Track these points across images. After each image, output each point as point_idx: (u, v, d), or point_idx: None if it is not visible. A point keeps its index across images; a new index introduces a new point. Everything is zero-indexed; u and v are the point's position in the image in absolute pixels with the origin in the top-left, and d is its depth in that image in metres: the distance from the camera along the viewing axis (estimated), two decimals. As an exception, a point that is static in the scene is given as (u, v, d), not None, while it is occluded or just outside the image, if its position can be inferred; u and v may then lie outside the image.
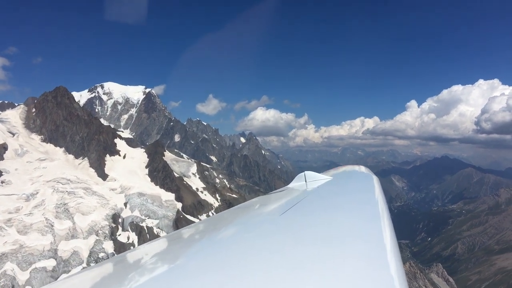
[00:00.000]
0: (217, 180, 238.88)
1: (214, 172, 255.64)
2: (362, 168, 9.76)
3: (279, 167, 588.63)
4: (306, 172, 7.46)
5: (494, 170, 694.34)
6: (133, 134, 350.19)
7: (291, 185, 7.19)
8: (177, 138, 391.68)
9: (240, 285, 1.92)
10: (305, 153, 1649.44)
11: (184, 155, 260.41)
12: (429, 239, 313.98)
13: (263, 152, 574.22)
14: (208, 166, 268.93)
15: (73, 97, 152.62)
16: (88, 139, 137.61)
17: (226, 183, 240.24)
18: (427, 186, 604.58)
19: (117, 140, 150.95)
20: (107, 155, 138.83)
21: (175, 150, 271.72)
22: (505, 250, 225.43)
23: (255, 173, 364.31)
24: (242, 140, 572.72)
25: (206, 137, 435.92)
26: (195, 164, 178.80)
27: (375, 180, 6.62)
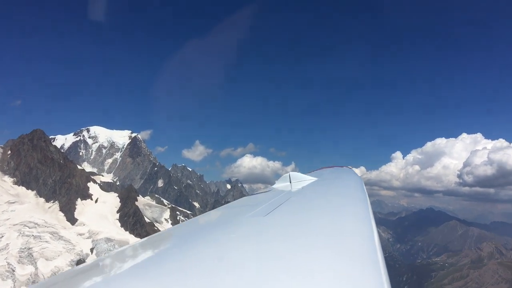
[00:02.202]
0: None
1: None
2: (347, 169, 10.31)
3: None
4: (291, 172, 7.47)
5: (479, 223, 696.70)
6: (116, 179, 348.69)
7: (275, 185, 7.15)
8: (160, 183, 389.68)
9: (225, 286, 1.88)
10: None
11: (164, 201, 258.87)
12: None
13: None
14: (189, 212, 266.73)
15: (50, 140, 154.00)
16: (61, 183, 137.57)
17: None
18: (412, 238, 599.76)
19: (90, 184, 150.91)
20: (79, 199, 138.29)
21: (156, 196, 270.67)
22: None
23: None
24: (228, 186, 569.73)
25: (190, 183, 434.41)
26: (168, 210, 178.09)
27: (359, 181, 6.90)
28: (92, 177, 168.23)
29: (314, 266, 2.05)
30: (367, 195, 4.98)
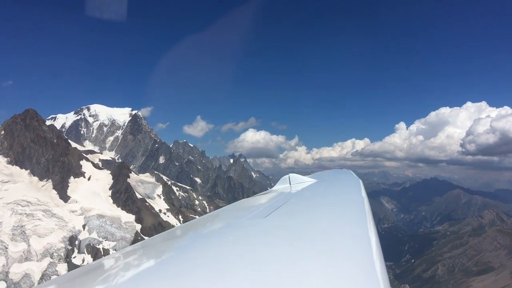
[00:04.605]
0: (197, 202, 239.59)
1: (194, 193, 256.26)
2: (346, 171, 10.56)
3: (268, 188, 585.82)
4: (290, 174, 7.66)
5: (483, 191, 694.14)
6: (117, 156, 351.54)
7: (275, 187, 7.37)
8: (161, 160, 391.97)
9: (225, 287, 1.89)
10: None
11: (164, 177, 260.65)
12: (413, 261, 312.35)
13: (252, 173, 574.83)
14: (188, 188, 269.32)
15: (42, 120, 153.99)
16: (54, 161, 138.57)
17: (206, 204, 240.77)
18: (416, 207, 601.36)
19: (83, 162, 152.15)
20: (72, 177, 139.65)
21: (155, 172, 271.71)
22: (482, 272, 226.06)
23: (239, 195, 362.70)
24: (232, 161, 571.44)
25: (192, 158, 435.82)
26: (160, 186, 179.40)
27: (358, 183, 6.96)
28: (86, 155, 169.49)
29: (313, 268, 2.05)
30: (366, 197, 5.00)
